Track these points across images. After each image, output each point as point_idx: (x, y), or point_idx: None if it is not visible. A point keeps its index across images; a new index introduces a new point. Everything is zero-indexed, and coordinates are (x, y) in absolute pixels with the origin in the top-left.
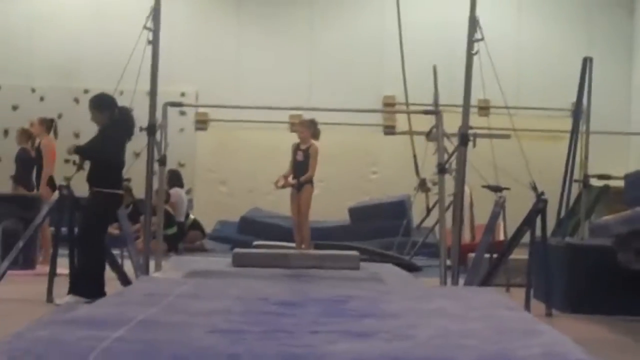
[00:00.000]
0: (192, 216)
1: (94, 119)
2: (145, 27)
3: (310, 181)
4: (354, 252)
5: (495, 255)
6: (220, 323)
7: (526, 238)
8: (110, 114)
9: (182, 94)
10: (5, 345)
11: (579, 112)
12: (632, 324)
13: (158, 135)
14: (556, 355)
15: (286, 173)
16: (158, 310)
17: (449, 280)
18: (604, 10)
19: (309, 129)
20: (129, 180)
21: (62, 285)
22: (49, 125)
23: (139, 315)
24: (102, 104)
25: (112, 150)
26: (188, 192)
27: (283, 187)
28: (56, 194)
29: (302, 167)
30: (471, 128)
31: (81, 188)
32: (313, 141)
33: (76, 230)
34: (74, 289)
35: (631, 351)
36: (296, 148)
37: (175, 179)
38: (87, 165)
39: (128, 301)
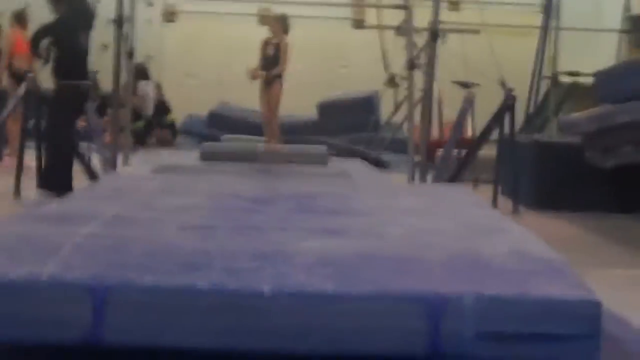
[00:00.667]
0: (172, 116)
1: (53, 11)
2: None
3: (279, 76)
4: (322, 147)
5: (463, 152)
6: (191, 219)
7: (495, 134)
8: (68, 4)
9: None
10: None
11: (549, 8)
12: (599, 221)
13: (126, 28)
14: (523, 252)
15: (256, 68)
16: (127, 206)
17: (417, 176)
18: None
19: (280, 23)
20: (96, 72)
21: (29, 179)
22: (17, 16)
23: (109, 211)
24: None
25: (72, 40)
26: (159, 86)
27: (254, 78)
28: (23, 86)
29: (271, 61)
30: (441, 23)
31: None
32: (284, 36)
33: (43, 124)
34: (42, 184)
35: (598, 247)
36: (266, 43)
37: (141, 72)
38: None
39: (97, 196)
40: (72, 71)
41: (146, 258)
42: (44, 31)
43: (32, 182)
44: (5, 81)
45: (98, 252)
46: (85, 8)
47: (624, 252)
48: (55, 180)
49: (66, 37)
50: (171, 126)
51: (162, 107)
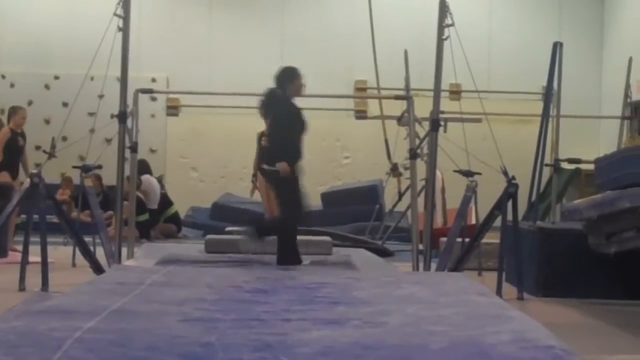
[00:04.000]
0: (174, 208)
1: None
2: (115, 14)
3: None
4: (326, 238)
5: (467, 240)
6: (193, 311)
7: (498, 222)
8: None
9: (153, 80)
10: None
11: (549, 96)
12: (603, 307)
13: (129, 122)
14: (526, 341)
15: (253, 170)
16: (131, 299)
17: (421, 265)
18: None
19: None
20: (99, 167)
21: (34, 273)
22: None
23: (112, 304)
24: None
25: None
26: (160, 179)
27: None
28: (27, 181)
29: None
30: (442, 113)
31: (52, 175)
32: None
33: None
34: None
35: (602, 334)
36: (261, 134)
37: (143, 168)
38: (58, 153)
39: (100, 290)
40: None
41: (148, 352)
42: None
43: (36, 276)
44: None
45: (100, 346)
46: None
47: (629, 339)
48: None
49: None
50: (175, 218)
51: (165, 200)
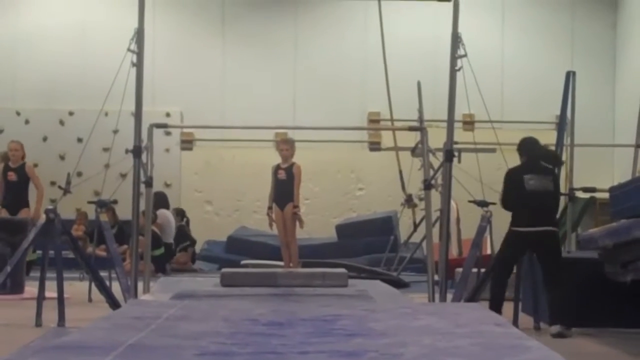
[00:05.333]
0: (191, 238)
1: None
2: (129, 50)
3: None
4: (342, 270)
5: (482, 270)
6: (210, 345)
7: None
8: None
9: (167, 114)
10: None
11: (563, 125)
12: (621, 336)
13: (144, 157)
14: None
15: (268, 203)
16: (147, 333)
17: (437, 295)
18: (586, 23)
19: (293, 147)
20: (114, 202)
21: (50, 309)
22: None
23: (129, 339)
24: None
25: None
26: (182, 213)
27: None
28: (43, 217)
29: (285, 185)
30: (456, 143)
31: (67, 211)
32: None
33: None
34: None
35: None
36: (277, 167)
37: (161, 201)
38: (74, 188)
39: (117, 325)
40: None
41: None
42: None
43: (54, 312)
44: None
45: None
46: None
47: None
48: None
49: None
50: (190, 248)
51: (182, 232)
